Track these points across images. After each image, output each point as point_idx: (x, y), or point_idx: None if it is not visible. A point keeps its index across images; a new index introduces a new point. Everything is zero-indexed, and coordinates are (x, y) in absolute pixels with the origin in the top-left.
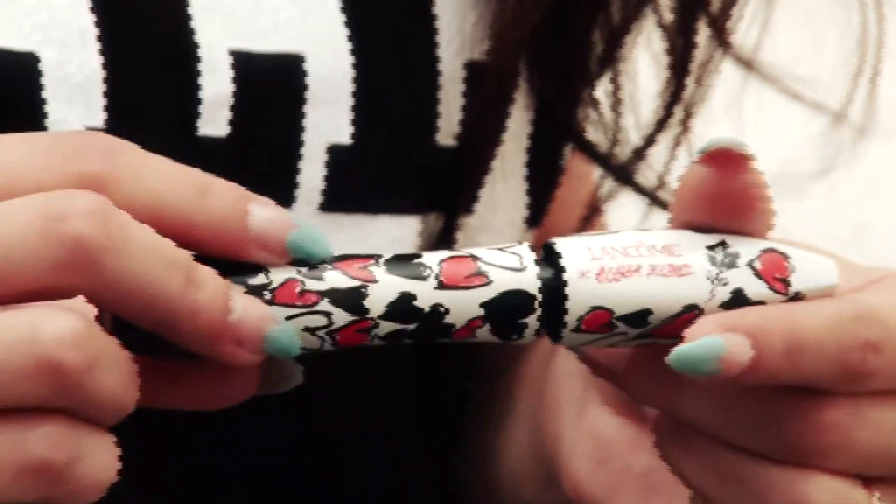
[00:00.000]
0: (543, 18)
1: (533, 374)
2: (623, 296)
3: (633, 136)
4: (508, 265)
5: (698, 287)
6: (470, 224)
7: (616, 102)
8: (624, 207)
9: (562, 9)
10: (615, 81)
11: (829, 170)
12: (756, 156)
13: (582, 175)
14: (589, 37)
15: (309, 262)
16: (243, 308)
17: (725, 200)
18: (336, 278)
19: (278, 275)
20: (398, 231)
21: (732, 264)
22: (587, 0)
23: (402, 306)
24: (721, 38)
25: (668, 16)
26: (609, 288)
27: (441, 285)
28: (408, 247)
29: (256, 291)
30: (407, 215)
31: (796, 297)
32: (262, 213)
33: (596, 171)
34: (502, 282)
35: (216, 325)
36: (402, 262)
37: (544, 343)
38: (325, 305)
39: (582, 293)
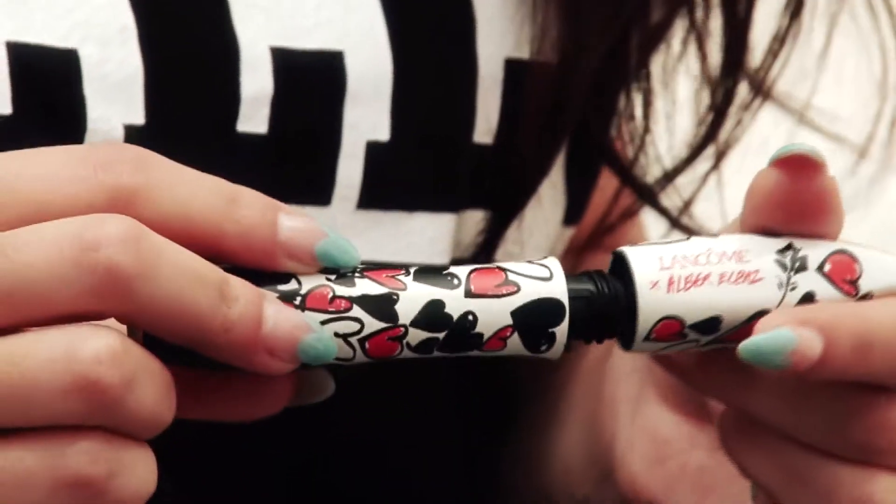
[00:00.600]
0: (585, 21)
1: (588, 373)
2: (694, 305)
3: (665, 157)
4: (537, 275)
5: (768, 293)
6: (512, 229)
7: (647, 116)
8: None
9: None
10: (647, 94)
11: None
12: (827, 161)
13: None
14: (628, 36)
15: (338, 271)
16: (275, 318)
17: (797, 205)
18: (366, 285)
19: (308, 282)
20: (434, 228)
21: (801, 268)
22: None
23: (433, 314)
24: (759, 90)
25: (710, 46)
26: (680, 298)
27: (470, 293)
28: (444, 243)
29: (287, 297)
30: (443, 212)
31: (866, 298)
32: (290, 222)
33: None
34: (531, 290)
35: (249, 338)
36: (430, 272)
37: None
38: (356, 311)
39: (653, 304)
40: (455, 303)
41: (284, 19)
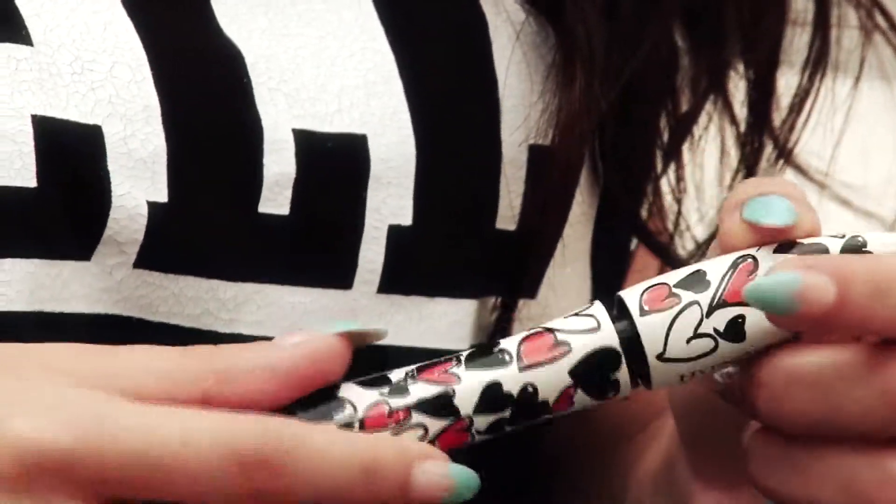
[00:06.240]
0: (610, 108)
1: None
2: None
3: (697, 228)
4: (584, 328)
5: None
6: (532, 309)
7: (679, 193)
8: None
9: (628, 98)
10: (679, 171)
11: None
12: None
13: (647, 268)
14: (655, 126)
15: (391, 381)
16: (426, 481)
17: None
18: (420, 389)
19: (363, 402)
20: (455, 313)
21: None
22: (654, 89)
23: (492, 397)
24: (782, 152)
25: (738, 110)
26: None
27: (524, 366)
28: (465, 329)
29: (345, 425)
30: (464, 298)
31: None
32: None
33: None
34: (583, 345)
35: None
36: (480, 354)
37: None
38: (417, 417)
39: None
40: (512, 380)
41: (308, 103)
